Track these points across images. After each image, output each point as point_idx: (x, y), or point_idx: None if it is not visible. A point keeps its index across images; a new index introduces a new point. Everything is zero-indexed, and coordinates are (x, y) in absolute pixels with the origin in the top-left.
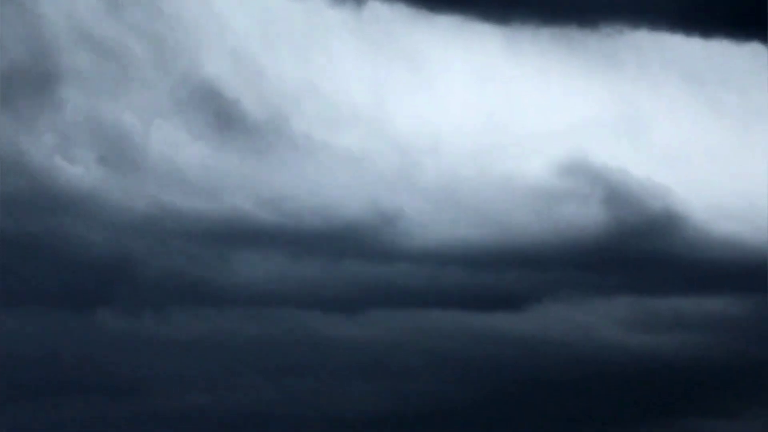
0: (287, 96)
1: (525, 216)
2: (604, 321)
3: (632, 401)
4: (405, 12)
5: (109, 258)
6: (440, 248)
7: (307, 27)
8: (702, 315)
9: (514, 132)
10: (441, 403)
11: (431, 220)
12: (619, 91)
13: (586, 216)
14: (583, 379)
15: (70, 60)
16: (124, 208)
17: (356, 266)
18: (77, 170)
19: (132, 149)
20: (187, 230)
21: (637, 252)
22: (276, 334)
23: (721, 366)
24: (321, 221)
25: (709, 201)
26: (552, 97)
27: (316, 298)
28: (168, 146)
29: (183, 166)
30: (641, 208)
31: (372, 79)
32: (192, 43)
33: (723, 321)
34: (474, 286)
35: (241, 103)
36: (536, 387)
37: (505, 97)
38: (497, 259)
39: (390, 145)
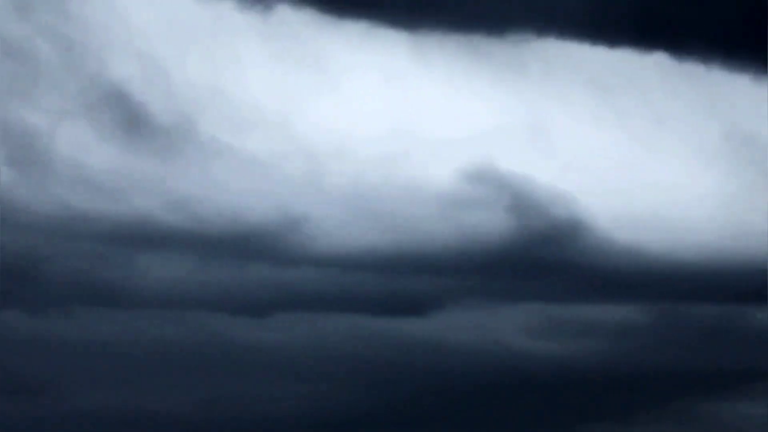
0: (194, 99)
1: (431, 222)
2: (508, 328)
3: (536, 408)
4: (313, 17)
5: (15, 259)
6: (346, 253)
7: (215, 30)
8: (606, 323)
9: (420, 138)
10: (345, 408)
11: (337, 225)
12: (526, 99)
13: (491, 223)
14: (488, 385)
15: None
16: (31, 209)
17: (263, 270)
18: None
19: (39, 151)
20: (94, 232)
21: (542, 259)
22: (183, 336)
23: (624, 373)
24: (228, 225)
25: (613, 209)
26: (459, 103)
27: (223, 302)
28: (75, 148)
29: (90, 168)
30: (546, 215)
31: (279, 84)
32: (100, 45)
33: (626, 329)
34: (379, 291)
35: (149, 105)
36: (440, 393)
37: (412, 103)
38: (403, 265)
39: (297, 150)
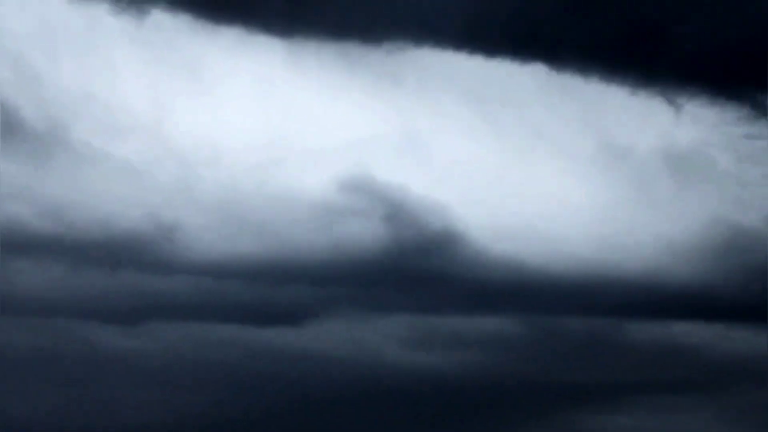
0: (67, 104)
1: (305, 231)
2: (383, 338)
3: (410, 419)
4: (188, 23)
5: None
6: (219, 262)
7: (88, 35)
8: (480, 334)
9: (295, 146)
10: (217, 417)
11: (210, 233)
12: (401, 109)
13: (366, 233)
14: (361, 395)
15: None
16: None
17: (134, 278)
18: None
19: None
20: None
21: (417, 270)
22: (53, 344)
23: (497, 385)
24: (99, 231)
25: (488, 220)
26: (334, 112)
27: (93, 309)
28: None
29: None
30: (421, 225)
31: (153, 90)
32: None
33: (500, 340)
34: (252, 300)
35: (21, 110)
36: (313, 403)
37: (287, 111)
38: (276, 274)
39: (170, 157)
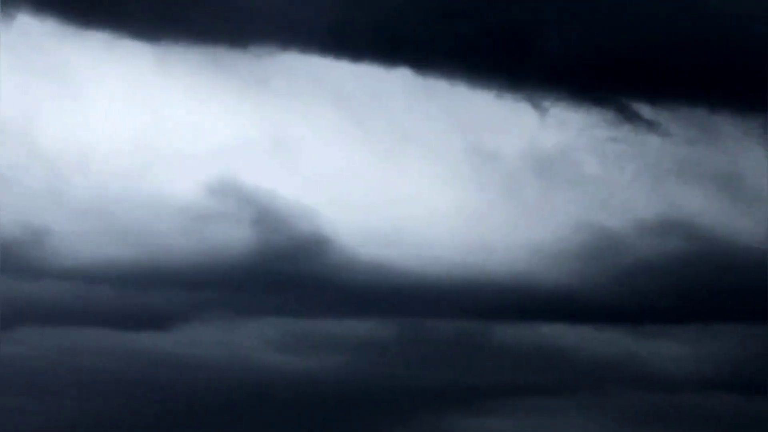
0: None
1: (174, 236)
2: (253, 342)
3: (280, 423)
4: (55, 27)
5: None
6: (89, 266)
7: None
8: (350, 338)
9: (163, 151)
10: (88, 421)
11: (80, 237)
12: (269, 113)
13: (235, 237)
14: (232, 399)
15: None
16: None
17: (5, 283)
18: None
19: None
20: None
21: (286, 274)
22: None
23: (368, 388)
24: None
25: (357, 224)
26: (202, 117)
27: None
28: None
29: None
30: (290, 230)
31: (21, 94)
32: None
33: (370, 344)
34: (122, 304)
35: None
36: (184, 407)
37: (155, 115)
38: (146, 278)
39: (38, 162)
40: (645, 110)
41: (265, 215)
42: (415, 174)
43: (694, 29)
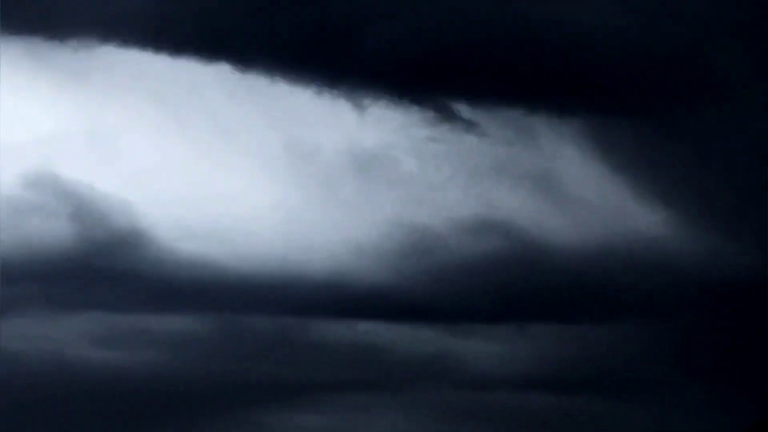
0: None
1: None
2: (70, 337)
3: (97, 417)
4: None
5: None
6: None
7: None
8: (167, 332)
9: None
10: None
11: None
12: (87, 106)
13: (52, 230)
14: (48, 395)
15: None
16: None
17: None
18: None
19: None
20: None
21: (104, 268)
22: None
23: (185, 383)
24: None
25: (176, 220)
26: (20, 109)
27: None
28: None
29: None
30: (107, 224)
31: None
32: None
33: (188, 339)
34: None
35: None
36: (2, 401)
37: None
38: None
39: None
40: (464, 110)
41: (82, 209)
42: (234, 169)
43: (513, 32)
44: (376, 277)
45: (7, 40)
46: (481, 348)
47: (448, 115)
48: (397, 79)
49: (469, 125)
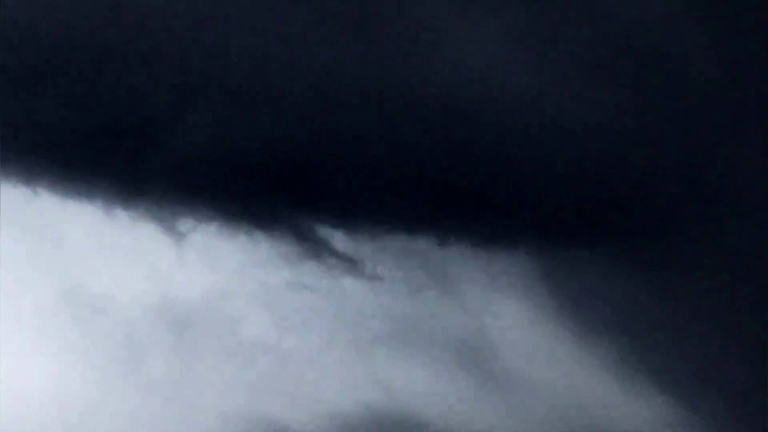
0: None
1: None
2: None
3: None
4: None
5: None
6: None
7: None
8: None
9: None
10: None
11: None
12: None
13: None
14: None
15: None
16: None
17: None
18: None
19: None
20: None
21: None
22: None
23: None
24: None
25: None
26: None
27: None
28: None
29: None
30: None
31: None
32: None
33: None
34: None
35: None
36: None
37: None
38: None
39: None
40: (338, 240)
41: None
42: None
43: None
44: None
45: None
46: None
47: (315, 248)
48: (229, 192)
49: (349, 263)
